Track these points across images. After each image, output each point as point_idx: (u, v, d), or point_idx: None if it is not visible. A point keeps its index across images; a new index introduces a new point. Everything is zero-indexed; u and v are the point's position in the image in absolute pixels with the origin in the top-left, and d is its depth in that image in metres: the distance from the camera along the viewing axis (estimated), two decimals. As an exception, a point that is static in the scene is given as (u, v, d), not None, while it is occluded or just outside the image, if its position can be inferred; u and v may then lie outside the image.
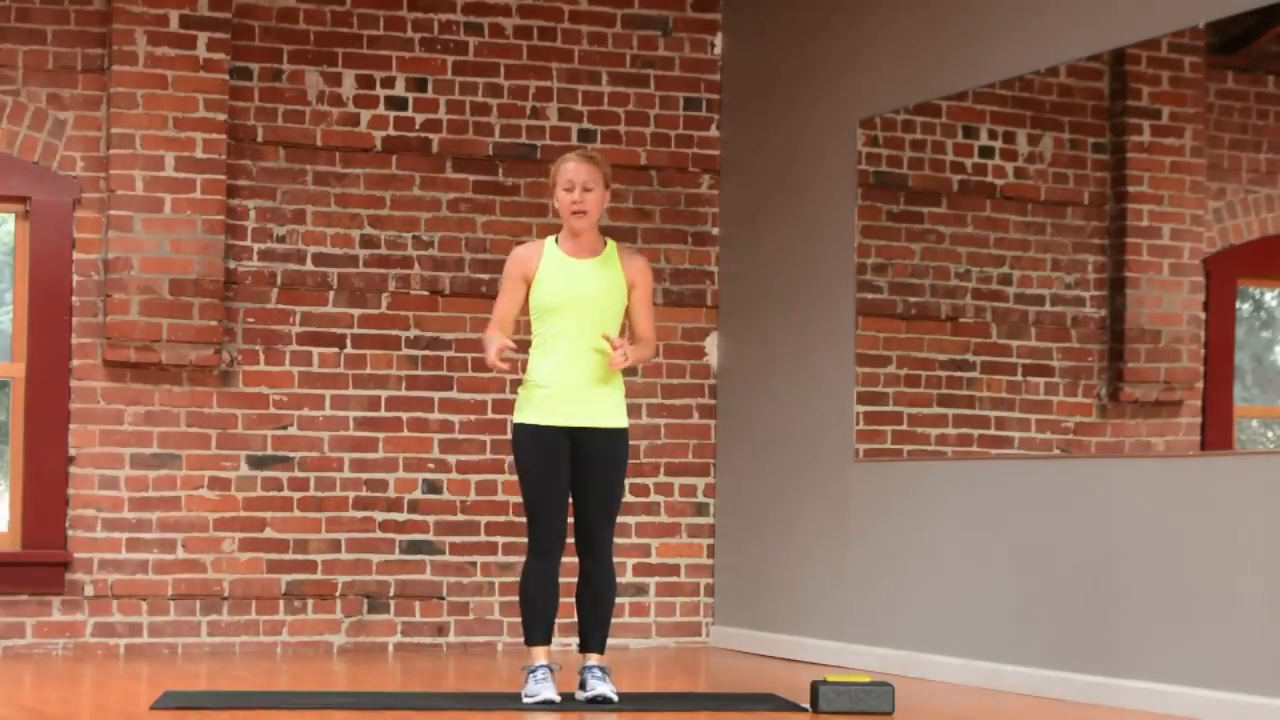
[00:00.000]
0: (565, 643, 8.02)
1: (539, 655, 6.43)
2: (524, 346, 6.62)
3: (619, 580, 8.83)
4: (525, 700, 6.33)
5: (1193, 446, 6.82)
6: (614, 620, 8.80)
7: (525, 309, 6.59)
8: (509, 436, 6.76)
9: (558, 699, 6.33)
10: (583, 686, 6.44)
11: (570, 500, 6.53)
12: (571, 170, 6.52)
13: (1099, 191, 7.22)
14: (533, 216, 8.83)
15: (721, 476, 9.02)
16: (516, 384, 8.83)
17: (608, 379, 6.51)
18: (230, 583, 8.38)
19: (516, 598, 6.64)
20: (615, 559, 8.80)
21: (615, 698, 6.41)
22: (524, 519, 8.70)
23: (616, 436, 6.51)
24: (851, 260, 8.16)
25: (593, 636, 6.54)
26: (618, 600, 8.82)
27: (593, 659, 6.51)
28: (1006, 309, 7.58)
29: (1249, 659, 6.12)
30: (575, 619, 6.60)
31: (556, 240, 6.59)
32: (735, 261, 9.00)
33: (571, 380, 6.46)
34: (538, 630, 6.46)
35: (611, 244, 6.62)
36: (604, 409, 6.49)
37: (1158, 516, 6.52)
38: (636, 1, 9.03)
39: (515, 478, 8.64)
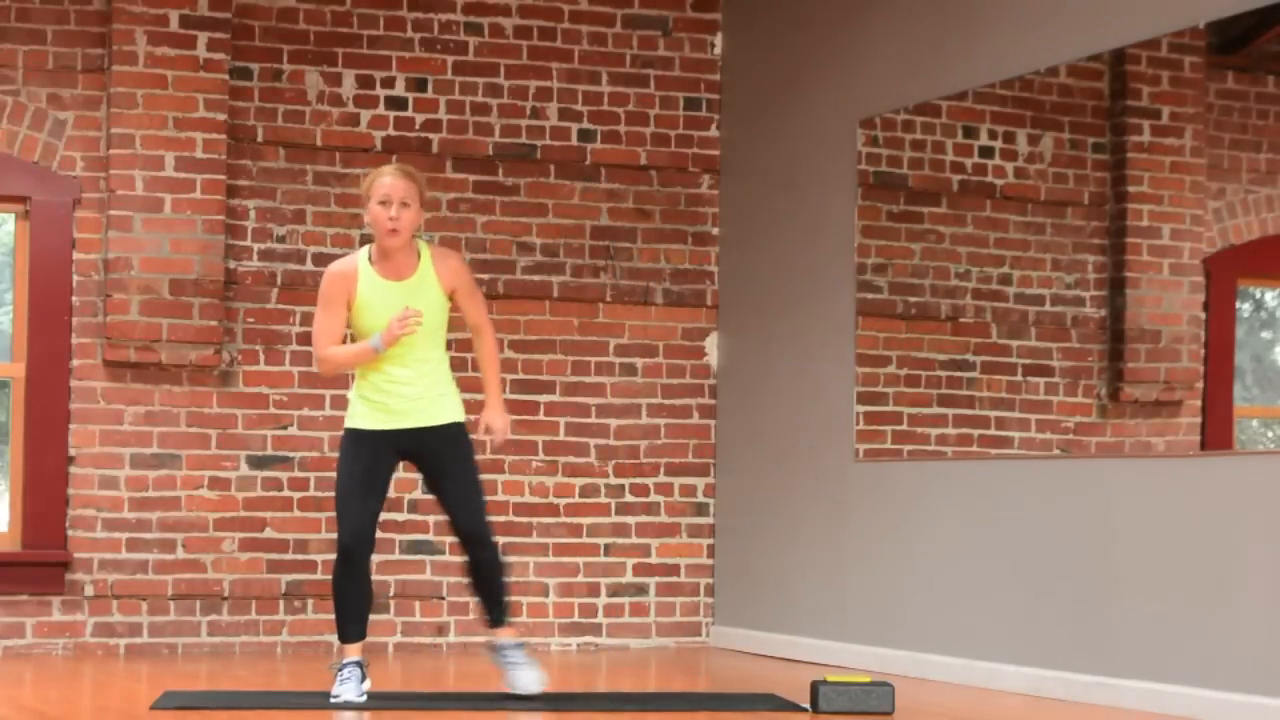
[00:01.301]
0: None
1: (350, 652, 6.40)
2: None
3: (619, 580, 8.84)
4: (331, 700, 6.28)
5: (1193, 446, 6.82)
6: (615, 620, 8.83)
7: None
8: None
9: (361, 698, 6.28)
10: (502, 663, 6.41)
11: (439, 504, 6.47)
12: (389, 185, 6.31)
13: (1099, 191, 7.22)
14: (533, 216, 8.83)
15: (721, 476, 9.02)
16: (515, 384, 8.84)
17: (433, 385, 6.41)
18: (230, 583, 8.38)
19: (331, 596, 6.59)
20: (616, 559, 8.84)
21: (539, 687, 6.37)
22: (525, 519, 8.74)
23: (450, 430, 6.42)
24: (851, 260, 8.16)
25: (492, 610, 6.49)
26: (618, 599, 8.83)
27: (501, 635, 6.47)
28: (1006, 309, 7.58)
29: (1249, 659, 6.12)
30: (477, 600, 6.54)
31: (370, 258, 6.40)
32: (735, 261, 9.00)
33: (392, 396, 6.38)
34: (348, 630, 6.42)
35: (425, 254, 6.41)
36: (433, 410, 6.41)
37: (1158, 516, 6.52)
38: (636, 1, 9.02)
39: (515, 477, 8.66)
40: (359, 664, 6.37)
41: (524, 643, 6.53)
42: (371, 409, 6.40)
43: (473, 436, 6.45)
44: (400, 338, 6.26)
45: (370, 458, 6.38)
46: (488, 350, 6.56)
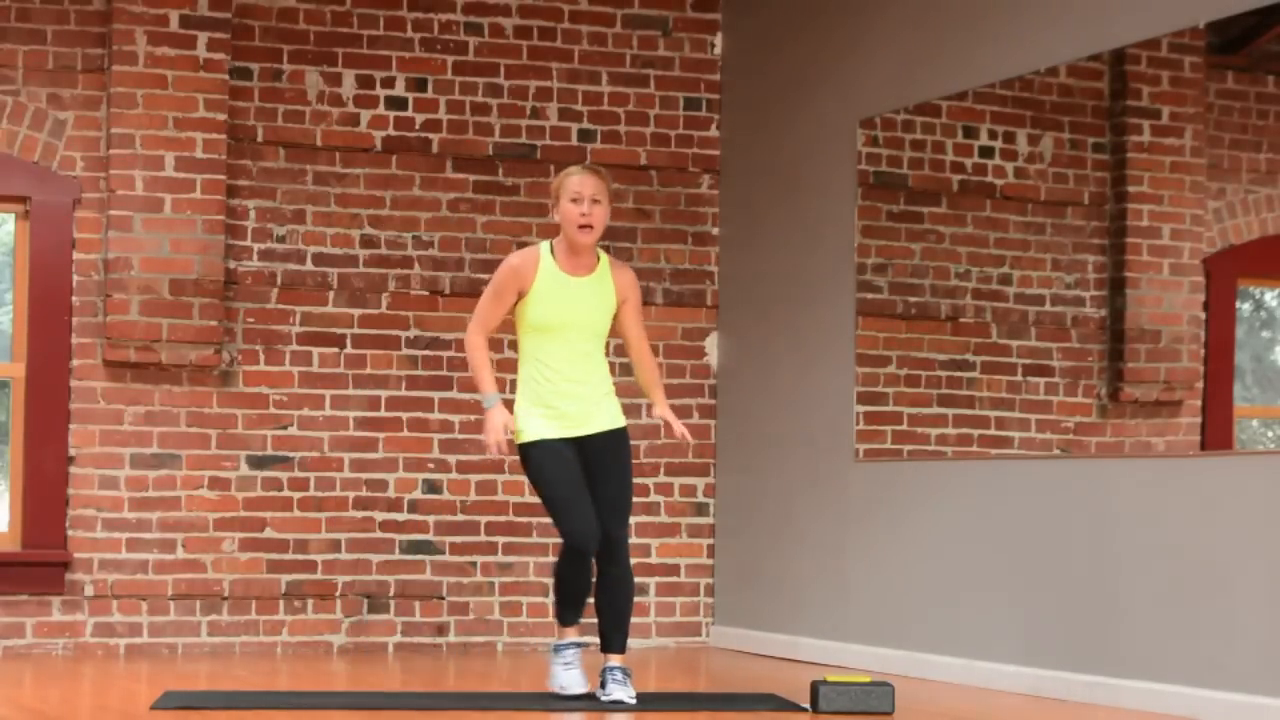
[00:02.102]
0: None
1: (569, 634, 6.56)
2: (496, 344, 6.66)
3: (619, 580, 8.84)
4: (554, 689, 6.47)
5: (1193, 446, 6.82)
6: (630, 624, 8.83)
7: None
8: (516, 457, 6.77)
9: (584, 689, 6.45)
10: (603, 686, 6.47)
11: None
12: (579, 182, 6.46)
13: (1099, 191, 7.22)
14: (533, 216, 8.83)
15: (721, 476, 9.02)
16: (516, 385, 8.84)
17: (599, 385, 6.54)
18: (230, 583, 8.38)
19: (550, 592, 6.70)
20: (616, 559, 8.84)
21: (633, 700, 6.43)
22: (524, 519, 8.74)
23: (616, 437, 6.54)
24: (851, 260, 8.16)
25: (613, 638, 6.56)
26: (618, 600, 8.83)
27: (613, 660, 6.53)
28: (1006, 309, 7.58)
29: (1249, 659, 6.12)
30: (595, 620, 6.61)
31: (552, 252, 6.53)
32: (735, 261, 9.00)
33: (566, 398, 6.48)
34: (568, 612, 6.57)
35: (604, 258, 6.59)
36: (600, 414, 6.52)
37: (1158, 516, 6.52)
38: (636, 1, 9.03)
39: (515, 478, 8.66)
40: (579, 644, 6.52)
41: (629, 669, 6.57)
42: (547, 418, 6.48)
43: (640, 442, 6.54)
44: (493, 439, 6.43)
45: (566, 458, 6.47)
46: (651, 359, 6.72)
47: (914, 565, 7.71)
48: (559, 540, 6.46)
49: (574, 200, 6.43)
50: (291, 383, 8.50)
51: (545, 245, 6.56)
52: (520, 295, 6.50)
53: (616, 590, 6.54)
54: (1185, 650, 6.36)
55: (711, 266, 9.09)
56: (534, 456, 6.49)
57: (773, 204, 8.74)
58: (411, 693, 6.71)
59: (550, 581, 6.57)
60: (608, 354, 6.67)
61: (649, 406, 8.93)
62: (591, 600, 6.61)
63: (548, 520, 8.73)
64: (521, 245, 8.82)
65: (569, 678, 6.51)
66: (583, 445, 6.51)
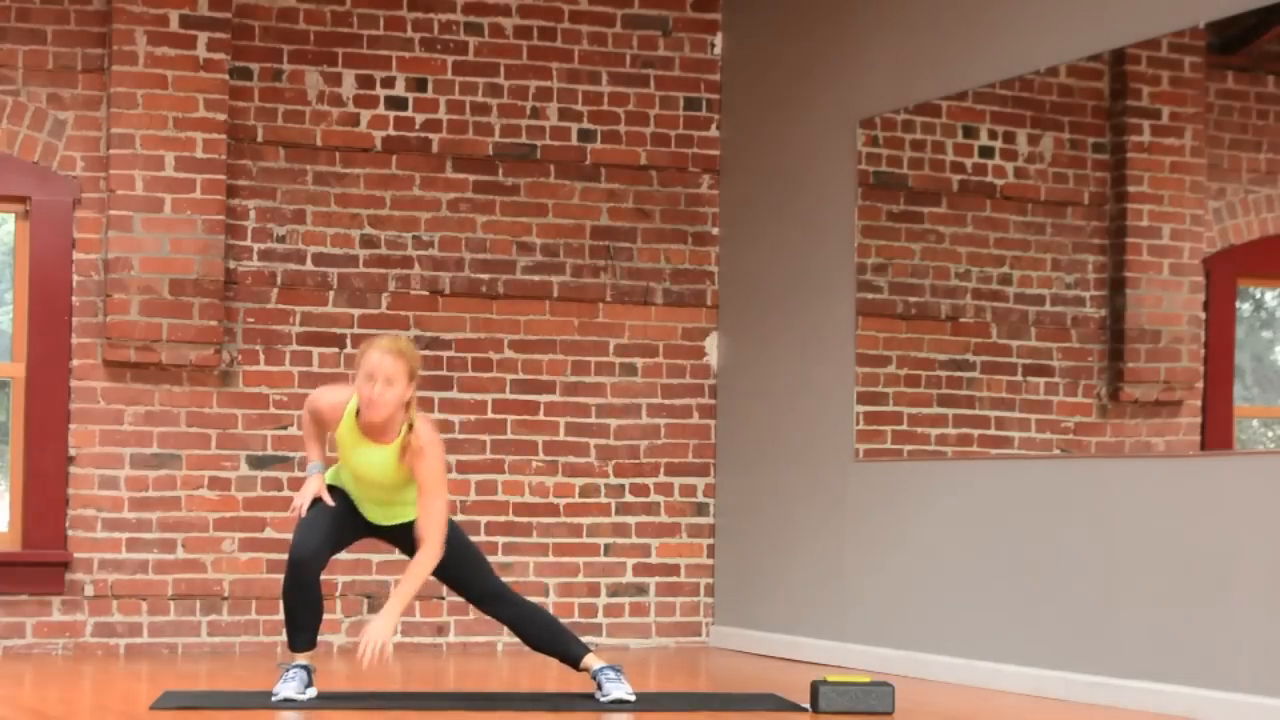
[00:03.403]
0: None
1: (299, 658, 6.44)
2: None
3: (619, 580, 8.84)
4: (272, 699, 6.32)
5: (1193, 446, 6.82)
6: (615, 620, 8.83)
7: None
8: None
9: (301, 696, 6.32)
10: (599, 688, 6.45)
11: (452, 588, 6.52)
12: (374, 361, 6.24)
13: (1099, 191, 7.22)
14: (533, 216, 8.83)
15: (721, 476, 9.02)
16: (515, 384, 8.85)
17: (410, 508, 6.41)
18: (230, 583, 8.38)
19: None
20: (616, 559, 8.84)
21: (631, 697, 6.41)
22: (524, 519, 8.74)
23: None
24: (851, 260, 8.16)
25: (571, 651, 6.53)
26: (618, 600, 8.83)
27: (595, 661, 6.52)
28: (1006, 309, 7.58)
29: (1249, 659, 6.12)
30: (545, 659, 6.60)
31: (358, 407, 6.35)
32: (735, 261, 9.00)
33: (368, 503, 6.46)
34: (295, 636, 6.43)
35: (403, 434, 6.31)
36: (400, 516, 6.45)
37: (1158, 516, 6.52)
38: (636, 1, 9.02)
39: (515, 477, 8.66)
40: (306, 667, 6.41)
41: (618, 666, 6.54)
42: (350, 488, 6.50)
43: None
44: (297, 505, 6.43)
45: (346, 507, 6.45)
46: (419, 559, 6.29)
47: (914, 565, 7.71)
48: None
49: (368, 378, 6.24)
50: (291, 383, 8.50)
51: (355, 399, 6.36)
52: (324, 434, 6.50)
53: (531, 622, 6.51)
54: (1185, 650, 6.36)
55: (711, 266, 9.09)
56: (324, 481, 6.48)
57: (773, 204, 8.74)
58: (411, 693, 6.71)
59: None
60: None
61: (648, 406, 8.96)
62: (525, 645, 6.58)
63: (548, 520, 8.77)
64: (521, 245, 8.82)
65: (285, 686, 6.32)
66: (391, 533, 6.48)
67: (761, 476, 8.71)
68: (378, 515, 6.48)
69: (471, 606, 6.72)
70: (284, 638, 6.52)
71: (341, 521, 6.44)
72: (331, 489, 6.50)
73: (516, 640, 8.66)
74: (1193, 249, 6.86)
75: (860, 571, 8.04)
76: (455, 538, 6.42)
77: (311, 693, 6.39)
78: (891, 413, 7.98)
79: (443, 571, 6.41)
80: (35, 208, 8.24)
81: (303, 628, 6.41)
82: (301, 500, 6.43)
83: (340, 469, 6.50)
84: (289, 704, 6.26)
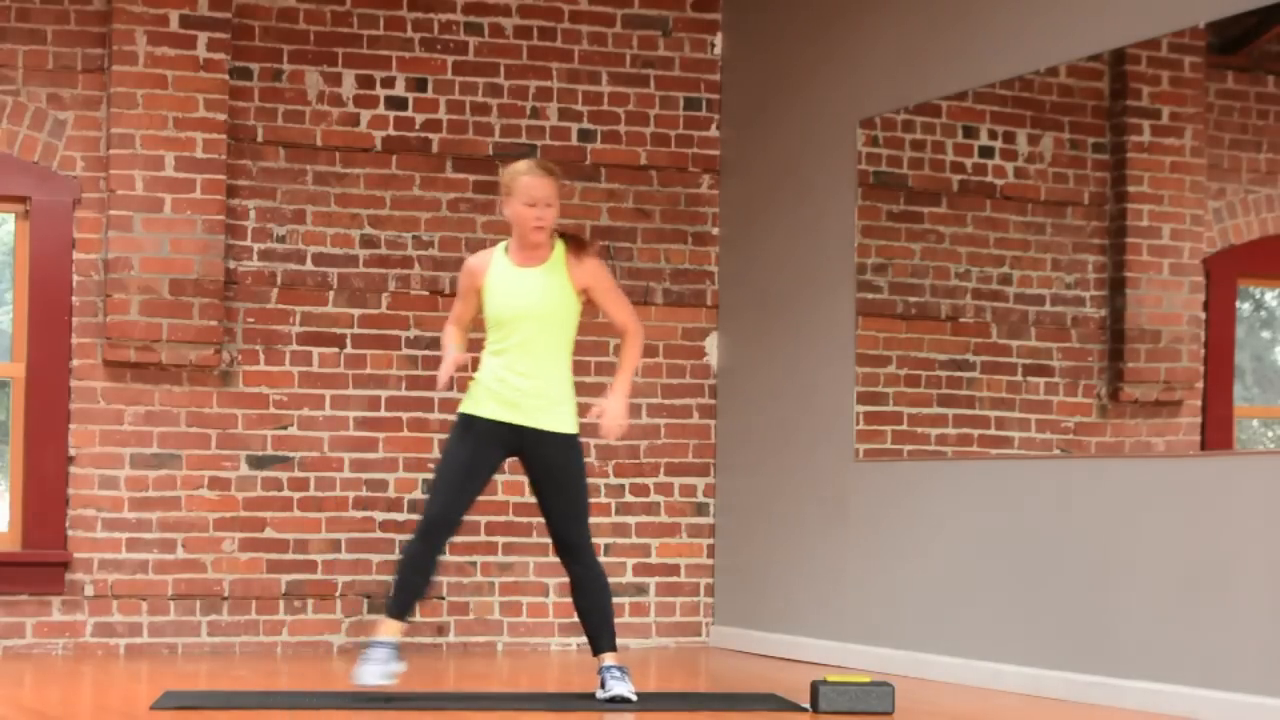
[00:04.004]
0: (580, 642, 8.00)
1: (384, 630, 6.41)
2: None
3: (619, 580, 8.84)
4: (352, 680, 6.34)
5: (1193, 446, 6.82)
6: (614, 620, 8.82)
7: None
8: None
9: (389, 681, 6.33)
10: (602, 686, 6.46)
11: (541, 512, 6.56)
12: (535, 186, 6.44)
13: (1099, 191, 7.22)
14: (533, 216, 8.83)
15: (721, 476, 9.02)
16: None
17: (549, 387, 6.50)
18: (230, 583, 8.38)
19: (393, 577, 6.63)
20: (616, 559, 8.84)
21: (634, 697, 6.43)
22: (524, 519, 8.74)
23: (564, 442, 6.50)
24: (851, 260, 8.16)
25: (601, 637, 6.55)
26: (617, 600, 8.83)
27: (608, 659, 6.52)
28: (1006, 309, 7.58)
29: (1249, 659, 6.12)
30: (579, 623, 6.61)
31: (507, 248, 6.57)
32: (735, 261, 9.00)
33: (512, 388, 6.47)
34: (393, 606, 6.43)
35: (560, 247, 6.54)
36: (549, 414, 6.49)
37: (1158, 516, 6.52)
38: (636, 1, 9.03)
39: (515, 477, 8.66)
40: (392, 645, 6.40)
41: (625, 667, 6.57)
42: (486, 395, 6.49)
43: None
44: (441, 376, 6.41)
45: (474, 445, 6.46)
46: (633, 344, 6.68)
47: (914, 565, 7.71)
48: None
49: (529, 205, 6.43)
50: (291, 383, 8.50)
51: (502, 243, 6.62)
52: (478, 293, 6.55)
53: (591, 589, 6.54)
54: (1185, 650, 6.36)
55: (711, 266, 9.09)
56: (458, 428, 6.51)
57: (773, 204, 8.74)
58: (411, 693, 6.71)
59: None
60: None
61: (648, 406, 8.96)
62: (571, 601, 6.62)
63: (548, 520, 8.76)
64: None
65: (366, 670, 6.35)
66: (521, 441, 6.47)
67: (761, 476, 8.71)
68: (517, 405, 6.44)
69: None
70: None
71: (473, 473, 6.46)
72: (469, 424, 6.46)
73: (516, 640, 8.68)
74: (1193, 249, 6.86)
75: (860, 571, 8.04)
76: (580, 468, 6.51)
77: (400, 667, 6.39)
78: (891, 413, 7.98)
79: (544, 496, 6.49)
80: (35, 208, 8.24)
81: (415, 594, 6.44)
82: (444, 373, 6.43)
83: (495, 332, 6.50)
84: (367, 699, 6.26)
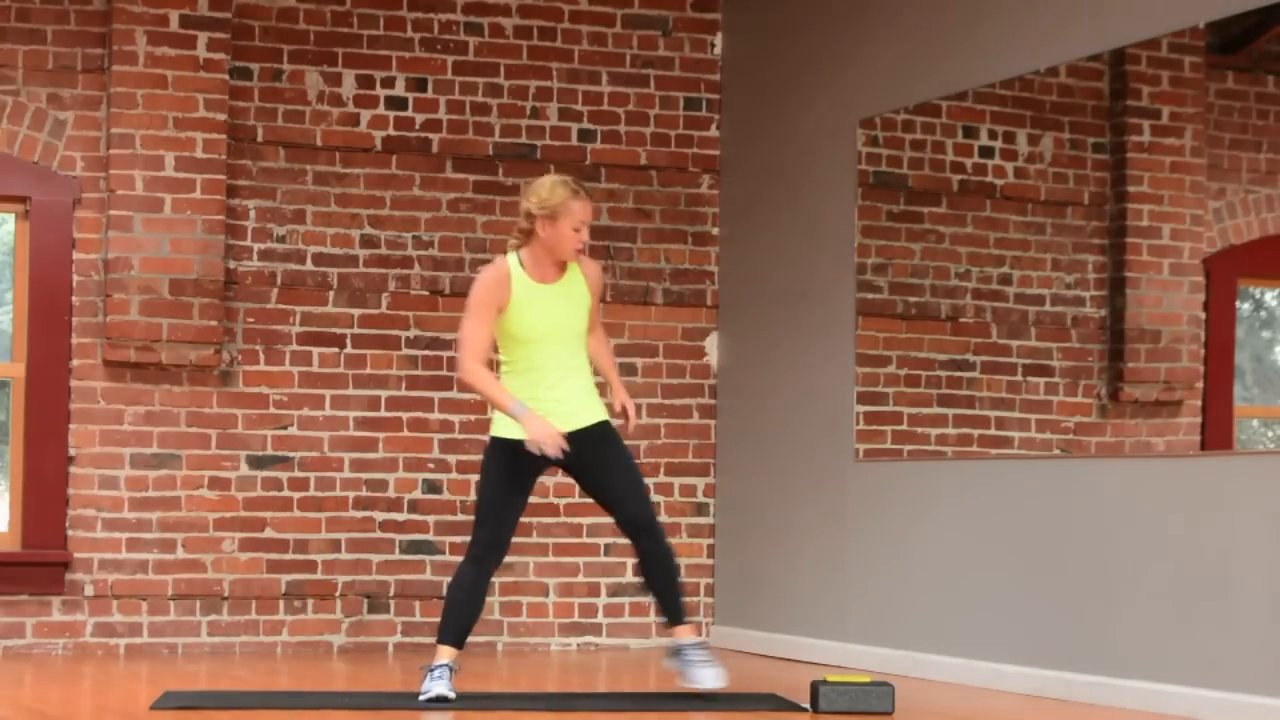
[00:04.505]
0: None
1: (443, 655, 6.44)
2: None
3: (619, 580, 8.84)
4: (420, 698, 6.35)
5: (1193, 446, 6.82)
6: (615, 620, 8.83)
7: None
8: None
9: (452, 695, 6.35)
10: (684, 675, 6.51)
11: (600, 501, 6.60)
12: (582, 210, 6.49)
13: (1099, 191, 7.22)
14: (533, 216, 8.82)
15: (721, 476, 9.02)
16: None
17: (579, 388, 6.55)
18: (230, 583, 8.38)
19: (443, 595, 6.65)
20: (615, 559, 8.84)
21: (720, 683, 6.49)
22: (524, 519, 8.72)
23: (601, 429, 6.56)
24: (851, 260, 8.16)
25: (673, 607, 6.59)
26: (618, 600, 8.83)
27: (685, 634, 6.57)
28: (1006, 309, 7.58)
29: (1249, 659, 6.12)
30: (651, 600, 6.65)
31: (521, 262, 6.54)
32: (735, 261, 9.00)
33: (549, 401, 6.49)
34: (450, 632, 6.47)
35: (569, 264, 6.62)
36: (580, 411, 6.53)
37: (1158, 516, 6.52)
38: (636, 1, 9.02)
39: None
40: (450, 667, 6.43)
41: (705, 641, 6.60)
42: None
43: (638, 443, 6.58)
44: (552, 447, 6.34)
45: (512, 469, 6.48)
46: (606, 342, 6.81)
47: (914, 565, 7.71)
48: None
49: (576, 230, 6.48)
50: (291, 383, 8.50)
51: (511, 257, 6.56)
52: (499, 311, 6.50)
53: (661, 561, 6.58)
54: (1185, 650, 6.36)
55: (711, 266, 9.09)
56: (493, 453, 6.52)
57: (773, 204, 8.73)
58: (411, 693, 6.70)
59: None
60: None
61: (648, 406, 8.95)
62: (642, 580, 6.67)
63: (548, 520, 8.76)
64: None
65: (434, 684, 6.38)
66: (566, 449, 6.49)
67: (761, 476, 8.71)
68: (553, 415, 6.44)
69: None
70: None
71: (514, 495, 6.51)
72: (503, 448, 6.46)
73: (516, 640, 8.68)
74: (1193, 249, 6.87)
75: (860, 571, 8.03)
76: (625, 446, 6.57)
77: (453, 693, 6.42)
78: (891, 413, 7.98)
79: (600, 487, 6.53)
80: (35, 208, 8.24)
81: (471, 619, 6.49)
82: (551, 434, 6.34)
83: (520, 348, 6.49)
84: (441, 702, 6.29)
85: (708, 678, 6.52)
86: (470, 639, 8.60)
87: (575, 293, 6.56)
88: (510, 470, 6.47)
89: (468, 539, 8.64)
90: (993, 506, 7.29)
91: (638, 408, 8.86)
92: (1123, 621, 6.63)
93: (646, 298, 8.95)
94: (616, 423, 6.63)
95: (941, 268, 7.83)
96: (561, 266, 6.57)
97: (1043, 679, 6.95)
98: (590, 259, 6.70)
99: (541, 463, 6.50)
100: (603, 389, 6.76)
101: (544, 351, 6.50)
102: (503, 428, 6.48)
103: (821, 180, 8.39)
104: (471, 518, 8.64)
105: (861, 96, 8.17)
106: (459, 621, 6.46)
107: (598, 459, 6.53)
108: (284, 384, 8.49)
